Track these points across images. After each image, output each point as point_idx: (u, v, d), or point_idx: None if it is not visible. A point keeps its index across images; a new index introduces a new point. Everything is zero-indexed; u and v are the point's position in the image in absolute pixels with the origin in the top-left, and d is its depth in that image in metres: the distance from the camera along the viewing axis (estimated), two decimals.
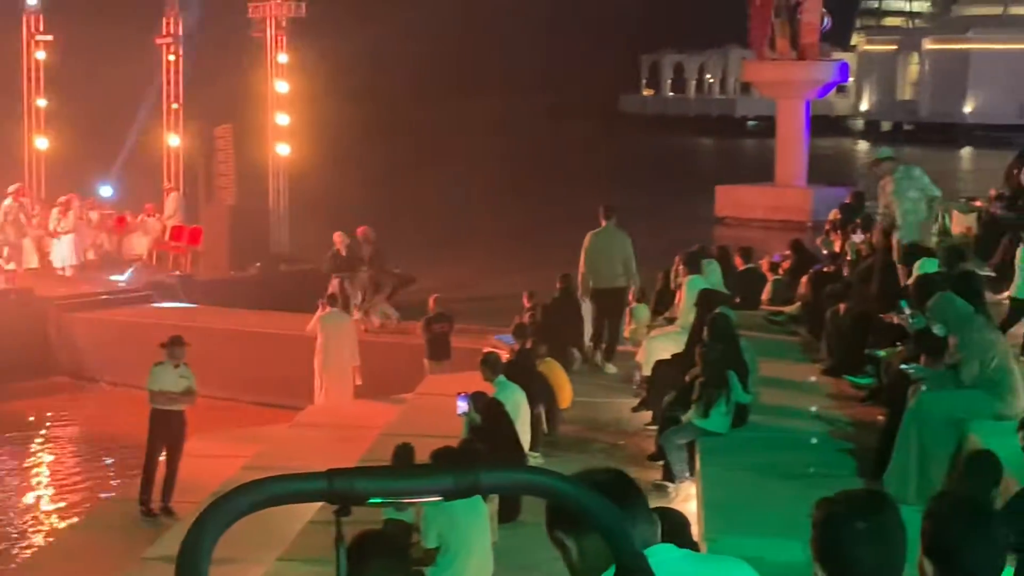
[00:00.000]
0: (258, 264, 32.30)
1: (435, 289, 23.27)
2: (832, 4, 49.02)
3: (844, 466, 12.50)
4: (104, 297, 29.25)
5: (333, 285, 24.68)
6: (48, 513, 19.99)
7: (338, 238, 26.33)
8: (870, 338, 14.72)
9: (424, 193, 51.87)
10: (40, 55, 34.26)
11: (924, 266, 14.94)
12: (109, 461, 22.25)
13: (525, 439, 13.68)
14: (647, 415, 15.49)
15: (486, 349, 16.43)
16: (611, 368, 18.74)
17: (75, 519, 18.88)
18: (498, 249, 38.79)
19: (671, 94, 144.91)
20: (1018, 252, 15.98)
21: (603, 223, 19.33)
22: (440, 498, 1.85)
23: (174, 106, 34.92)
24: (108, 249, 32.74)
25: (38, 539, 18.61)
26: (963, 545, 3.75)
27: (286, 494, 1.81)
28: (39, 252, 31.10)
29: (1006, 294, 17.02)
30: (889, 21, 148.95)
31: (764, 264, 22.73)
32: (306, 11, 34.79)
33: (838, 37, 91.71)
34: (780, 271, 22.31)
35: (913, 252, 15.12)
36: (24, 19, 34.16)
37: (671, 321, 18.12)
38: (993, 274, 17.27)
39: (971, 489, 6.72)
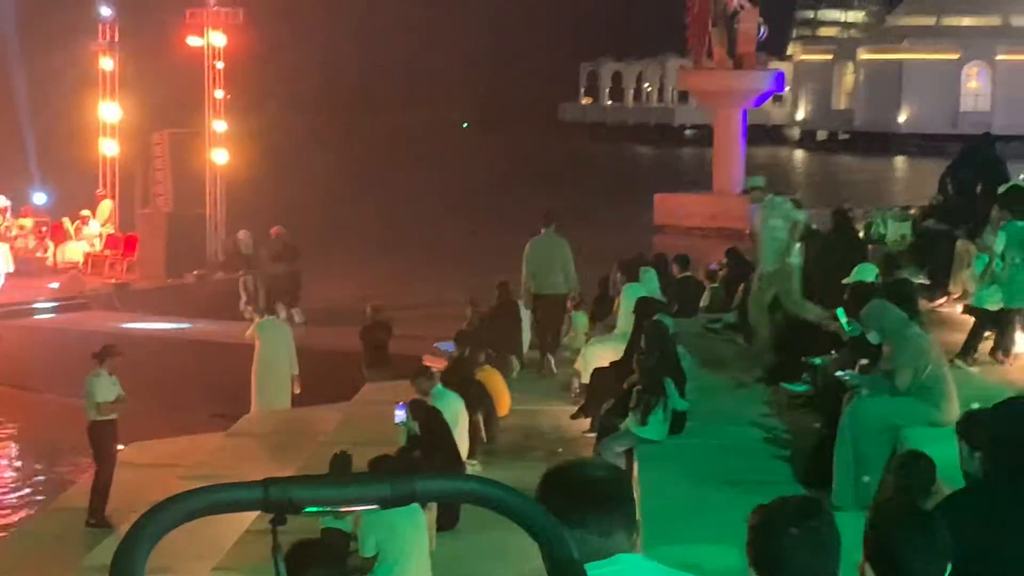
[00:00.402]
0: (195, 272, 32.14)
1: (372, 297, 23.21)
2: (768, 14, 49.30)
3: (780, 472, 12.57)
4: (39, 305, 28.99)
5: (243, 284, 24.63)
6: None
7: (242, 236, 26.28)
8: (806, 346, 14.83)
9: (364, 200, 51.80)
10: None
11: (860, 273, 15.07)
12: (40, 470, 22.03)
13: (464, 447, 13.66)
14: (585, 422, 15.51)
15: (426, 358, 16.42)
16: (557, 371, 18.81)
17: (10, 530, 18.68)
18: (436, 257, 38.76)
19: (609, 102, 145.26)
20: (974, 262, 16.11)
21: (543, 231, 19.36)
22: (377, 506, 1.85)
23: (110, 112, 34.63)
24: (43, 257, 32.44)
25: None
26: (908, 553, 3.78)
27: (222, 503, 1.80)
28: None
29: (940, 301, 17.19)
30: (825, 31, 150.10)
31: (701, 272, 22.86)
32: (243, 18, 34.71)
33: (774, 47, 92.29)
34: (717, 279, 22.43)
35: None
36: None
37: (610, 329, 18.16)
38: (927, 281, 17.43)
39: (905, 491, 6.78)
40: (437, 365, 15.64)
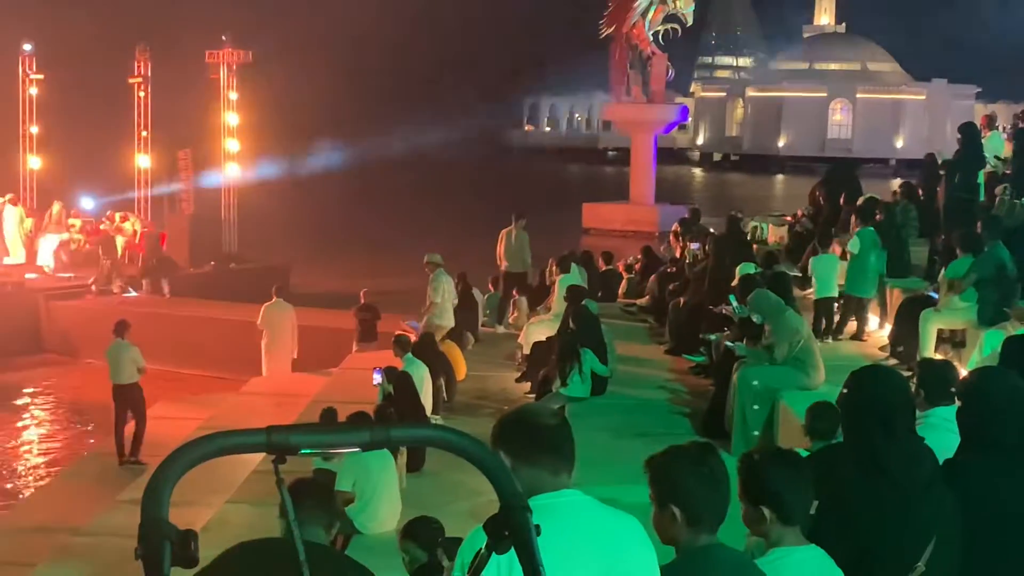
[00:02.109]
0: (212, 263, 32.02)
1: (358, 285, 23.09)
2: (675, 59, 49.43)
3: (682, 426, 12.65)
4: (84, 288, 28.72)
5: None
6: (37, 465, 19.62)
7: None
8: (703, 324, 14.91)
9: (349, 207, 51.62)
10: (33, 91, 33.58)
11: (745, 268, 15.14)
12: (87, 423, 21.87)
13: (428, 405, 13.65)
14: (527, 385, 15.53)
15: (397, 332, 16.37)
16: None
17: (60, 470, 18.53)
18: (406, 254, 38.63)
19: (547, 129, 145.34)
20: (811, 262, 16.22)
21: (514, 224, 20.84)
22: (359, 449, 1.84)
23: (144, 133, 34.38)
24: (89, 250, 32.09)
25: (29, 486, 18.26)
26: (781, 487, 3.81)
27: (232, 446, 1.79)
28: (28, 251, 30.48)
29: (810, 291, 17.30)
30: (720, 73, 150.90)
31: (620, 265, 22.89)
32: (252, 58, 34.60)
33: (680, 85, 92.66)
34: (634, 271, 22.48)
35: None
36: (20, 60, 33.44)
37: (546, 311, 18.18)
38: (800, 274, 17.54)
39: (814, 433, 6.84)
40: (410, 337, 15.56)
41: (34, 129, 33.59)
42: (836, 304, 15.15)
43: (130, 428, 17.25)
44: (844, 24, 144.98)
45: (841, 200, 19.00)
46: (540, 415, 3.42)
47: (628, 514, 3.37)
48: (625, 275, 22.48)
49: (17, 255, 30.00)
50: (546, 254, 21.52)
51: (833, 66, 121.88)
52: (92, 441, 20.40)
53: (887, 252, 14.98)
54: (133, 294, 28.33)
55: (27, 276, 28.73)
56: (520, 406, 3.57)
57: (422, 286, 20.30)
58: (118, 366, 17.18)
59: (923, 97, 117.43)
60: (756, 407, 11.17)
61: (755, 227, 24.32)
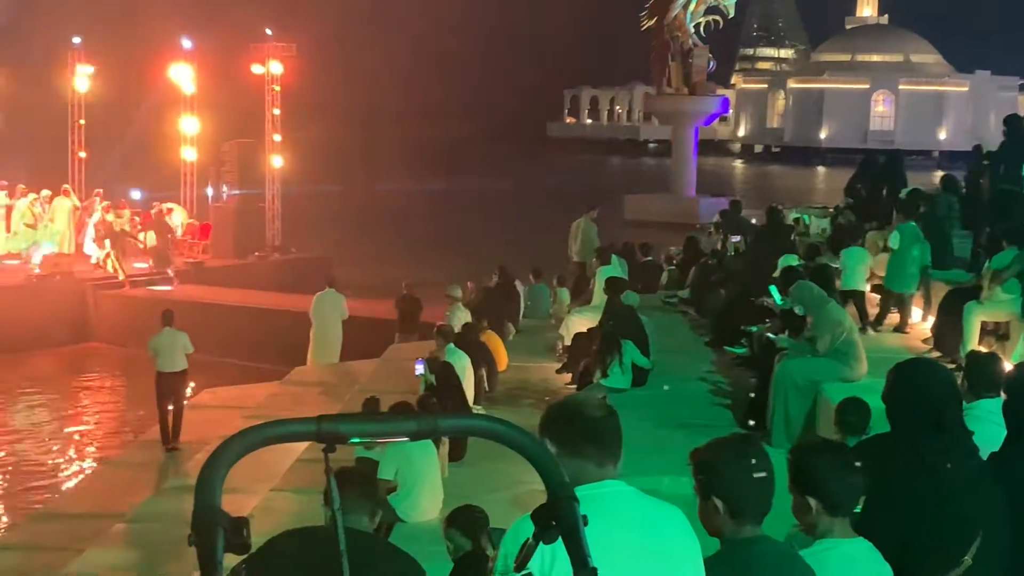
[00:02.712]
0: (256, 253, 32.20)
1: (402, 276, 23.12)
2: (716, 50, 49.19)
3: (723, 418, 12.59)
4: (132, 279, 28.95)
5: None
6: (84, 453, 19.82)
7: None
8: (744, 316, 14.82)
9: (392, 198, 51.74)
10: (82, 84, 33.85)
11: (787, 260, 15.04)
12: (133, 411, 22.06)
13: (470, 395, 13.66)
14: (568, 376, 15.51)
15: (439, 323, 16.38)
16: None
17: (106, 457, 18.71)
18: (445, 243, 38.73)
19: (588, 121, 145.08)
20: (841, 253, 16.08)
21: (585, 215, 22.08)
22: (407, 439, 1.84)
23: (190, 125, 34.60)
24: (136, 240, 32.35)
25: (77, 473, 18.45)
26: (829, 478, 3.79)
27: (283, 434, 1.79)
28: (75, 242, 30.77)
29: None
30: (761, 65, 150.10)
31: (662, 257, 22.81)
32: (296, 51, 34.73)
33: (721, 77, 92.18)
34: (674, 263, 22.40)
35: None
36: (70, 54, 33.74)
37: (586, 302, 18.15)
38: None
39: (845, 428, 6.80)
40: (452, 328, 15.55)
41: (82, 122, 33.89)
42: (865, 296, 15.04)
43: (171, 414, 17.46)
44: (887, 15, 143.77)
45: (884, 192, 18.83)
46: (587, 406, 3.36)
47: (671, 504, 3.34)
48: (665, 266, 22.40)
49: (68, 246, 30.30)
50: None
51: (875, 58, 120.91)
52: (140, 427, 20.58)
53: (930, 244, 14.84)
54: (167, 288, 28.49)
55: (79, 269, 28.91)
56: (567, 396, 3.51)
57: (464, 275, 20.36)
58: (170, 354, 17.37)
59: (966, 89, 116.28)
60: (797, 399, 11.11)
61: (797, 219, 24.16)
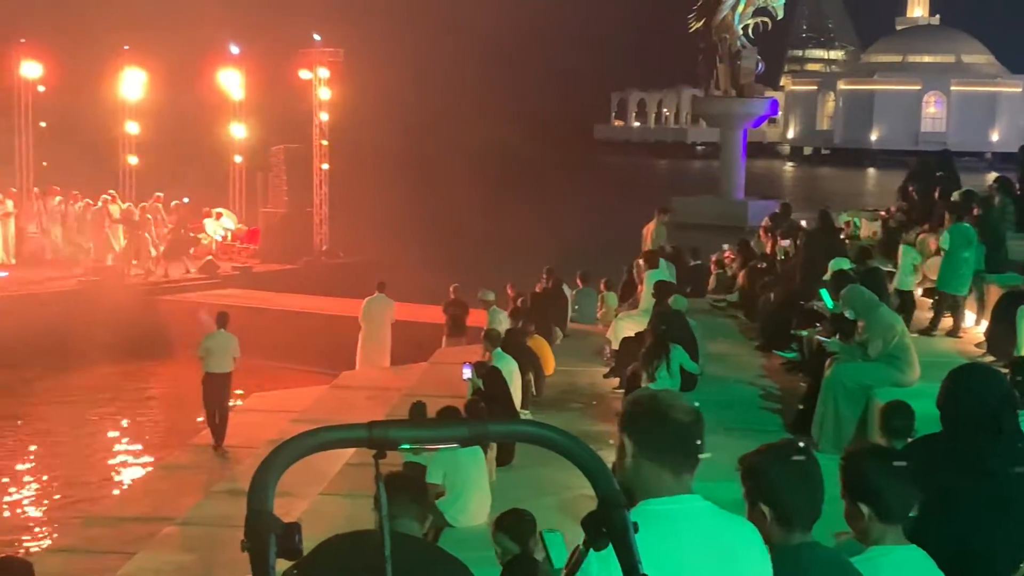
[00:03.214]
0: (305, 258, 32.41)
1: (449, 280, 23.14)
2: (764, 52, 48.94)
3: (773, 422, 12.51)
4: (183, 284, 29.24)
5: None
6: (135, 456, 20.01)
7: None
8: (795, 320, 14.73)
9: (438, 202, 51.84)
10: (132, 90, 34.21)
11: (836, 263, 14.93)
12: (184, 415, 22.24)
13: (517, 399, 13.67)
14: (615, 381, 15.47)
15: (487, 327, 16.40)
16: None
17: (157, 461, 18.88)
18: (494, 247, 38.75)
19: (636, 124, 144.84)
20: (900, 250, 15.96)
21: (656, 218, 22.03)
22: (457, 444, 1.84)
23: (238, 131, 34.92)
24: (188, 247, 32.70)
25: (127, 477, 18.63)
26: (878, 480, 3.76)
27: (335, 440, 1.80)
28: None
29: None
30: (811, 66, 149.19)
31: (713, 260, 22.70)
32: (343, 56, 34.92)
33: (769, 79, 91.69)
34: (724, 266, 22.29)
35: None
36: (120, 60, 34.11)
37: (634, 306, 18.11)
38: (894, 270, 17.25)
39: (890, 432, 6.74)
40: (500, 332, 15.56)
41: (132, 127, 34.25)
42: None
43: (217, 416, 17.66)
44: (938, 16, 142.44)
45: (936, 195, 18.65)
46: (675, 407, 3.12)
47: (746, 521, 3.26)
48: (714, 270, 22.29)
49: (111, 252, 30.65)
50: (633, 249, 21.44)
51: (927, 58, 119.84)
52: (190, 431, 20.76)
53: (984, 247, 14.68)
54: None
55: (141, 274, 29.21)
56: (656, 392, 3.24)
57: (513, 280, 20.35)
58: (220, 356, 17.57)
59: (1019, 89, 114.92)
60: (848, 404, 11.02)
61: (848, 222, 23.98)
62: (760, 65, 47.63)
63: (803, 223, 20.71)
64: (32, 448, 20.32)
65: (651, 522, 2.79)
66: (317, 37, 34.81)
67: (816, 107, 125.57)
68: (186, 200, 34.74)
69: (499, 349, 14.01)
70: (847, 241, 19.98)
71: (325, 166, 34.68)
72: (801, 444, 3.66)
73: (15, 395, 23.12)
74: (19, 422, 22.00)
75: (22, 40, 32.69)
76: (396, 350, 21.69)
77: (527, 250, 35.11)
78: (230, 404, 17.93)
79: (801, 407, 12.19)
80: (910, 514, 3.89)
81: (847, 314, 11.78)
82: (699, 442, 3.15)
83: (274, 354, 24.59)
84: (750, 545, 3.13)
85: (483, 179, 66.27)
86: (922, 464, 3.96)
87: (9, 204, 30.77)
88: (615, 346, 16.32)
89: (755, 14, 46.33)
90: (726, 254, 23.21)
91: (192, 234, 31.87)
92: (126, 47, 34.15)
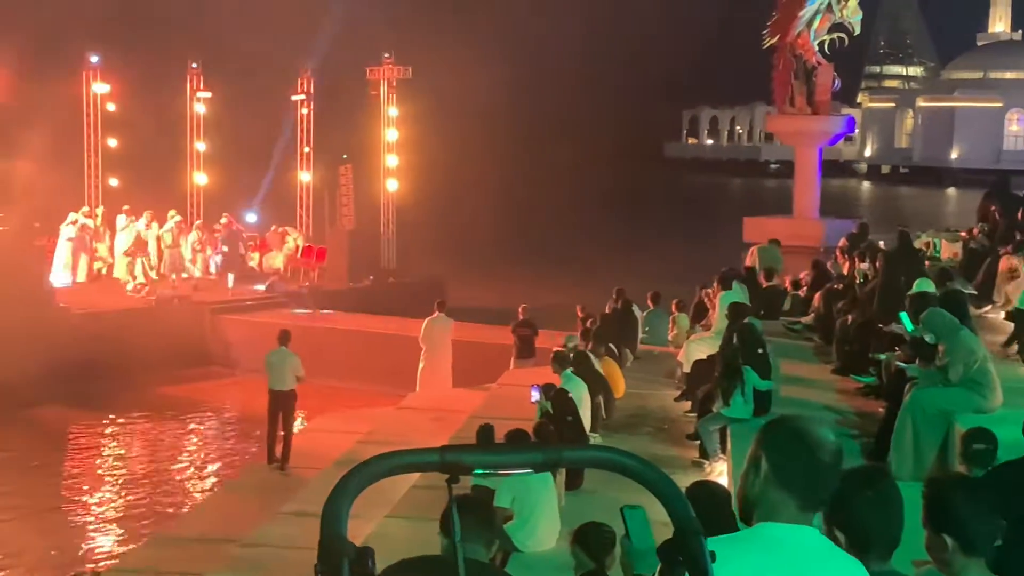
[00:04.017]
0: (371, 277, 32.61)
1: (516, 300, 23.17)
2: (841, 68, 48.56)
3: (849, 450, 12.29)
4: (249, 303, 29.55)
5: None
6: (201, 476, 20.23)
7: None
8: (872, 344, 14.55)
9: (507, 221, 51.94)
10: (200, 108, 34.74)
11: (921, 285, 14.73)
12: (249, 435, 22.45)
13: (587, 422, 13.64)
14: (687, 404, 15.39)
15: (556, 348, 16.39)
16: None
17: (222, 481, 19.07)
18: (566, 267, 38.74)
19: (709, 142, 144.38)
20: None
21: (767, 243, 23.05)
22: (531, 470, 1.85)
23: (306, 149, 35.31)
24: (252, 265, 33.09)
25: (194, 497, 18.83)
26: (966, 516, 3.70)
27: (407, 465, 1.82)
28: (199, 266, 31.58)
29: (986, 308, 16.77)
30: (889, 83, 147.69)
31: (787, 280, 22.49)
32: (412, 74, 35.15)
33: (846, 95, 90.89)
34: (800, 287, 22.08)
35: None
36: (188, 78, 34.65)
37: (706, 328, 18.01)
38: (975, 292, 17.00)
39: (971, 459, 6.64)
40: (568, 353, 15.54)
41: (200, 146, 34.77)
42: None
43: (281, 435, 17.82)
44: (1020, 32, 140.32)
45: (1020, 215, 18.37)
46: (823, 444, 3.00)
47: (856, 560, 3.17)
48: (789, 291, 22.10)
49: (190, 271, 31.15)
50: (705, 270, 21.33)
51: (1009, 75, 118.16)
52: (254, 450, 20.96)
53: None
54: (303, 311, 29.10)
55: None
56: (807, 419, 3.12)
57: (582, 301, 20.33)
58: (280, 373, 17.77)
59: None
60: (928, 430, 10.85)
61: (927, 242, 23.66)
62: (837, 82, 47.26)
63: (881, 244, 20.46)
64: (98, 466, 20.64)
65: (761, 544, 2.86)
66: (386, 55, 35.09)
67: (894, 124, 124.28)
68: (251, 219, 35.16)
69: (568, 371, 13.99)
70: (926, 262, 19.70)
71: (393, 184, 34.92)
72: (880, 469, 3.62)
73: (81, 413, 23.49)
74: (84, 440, 22.34)
75: (93, 59, 33.30)
76: (464, 371, 21.74)
77: (596, 270, 35.07)
78: (294, 423, 18.05)
79: (879, 433, 12.03)
80: (994, 543, 3.82)
81: (927, 338, 11.60)
82: (832, 484, 3.05)
83: (339, 374, 24.74)
84: None
85: (552, 198, 66.33)
86: (1005, 492, 3.89)
87: (79, 222, 31.29)
88: (687, 369, 16.24)
89: (831, 30, 46.01)
90: (801, 276, 23.01)
91: (242, 253, 32.24)
92: (194, 65, 34.68)
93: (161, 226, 31.25)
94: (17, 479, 19.24)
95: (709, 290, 19.21)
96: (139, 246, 30.33)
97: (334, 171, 34.56)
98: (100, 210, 32.59)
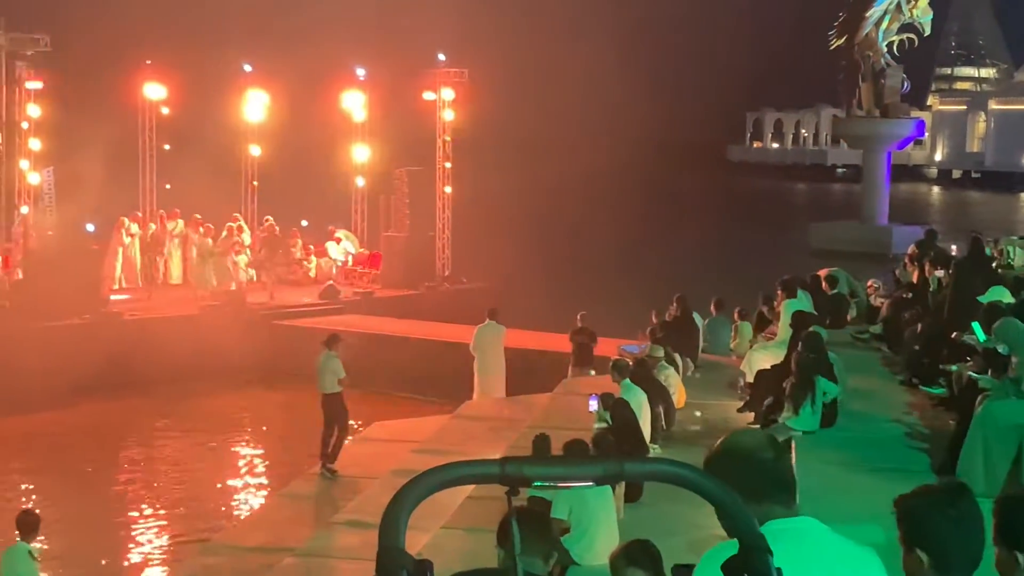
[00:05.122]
0: (427, 284, 32.70)
1: (575, 308, 23.10)
2: (911, 70, 48.13)
3: (919, 462, 12.23)
4: (302, 309, 29.73)
5: None
6: (254, 485, 20.37)
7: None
8: (943, 354, 14.39)
9: (565, 226, 51.90)
10: (255, 113, 34.96)
11: (995, 294, 14.55)
12: (303, 443, 22.57)
13: (647, 433, 13.59)
14: (750, 415, 15.29)
15: (615, 357, 16.35)
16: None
17: (276, 489, 19.19)
18: (624, 273, 38.64)
19: (775, 145, 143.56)
20: None
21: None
22: (592, 483, 1.85)
23: (360, 154, 35.48)
24: (306, 270, 33.30)
25: (246, 505, 18.98)
26: None
27: (467, 476, 1.82)
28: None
29: None
30: (960, 85, 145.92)
31: (871, 288, 22.29)
32: (468, 77, 35.19)
33: (916, 98, 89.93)
34: (868, 295, 21.89)
35: None
36: (243, 83, 34.90)
37: (770, 337, 17.89)
38: None
39: None
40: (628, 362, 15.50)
41: (255, 150, 35.04)
42: None
43: (331, 436, 18.00)
44: None
45: None
46: (756, 448, 3.21)
47: (866, 546, 3.27)
48: (864, 298, 21.91)
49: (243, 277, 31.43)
50: (770, 278, 21.16)
51: None
52: (308, 459, 21.07)
53: None
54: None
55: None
56: (728, 440, 3.30)
57: (642, 309, 20.24)
58: (322, 376, 18.03)
59: None
60: (1000, 444, 10.72)
61: (1000, 250, 23.35)
62: (906, 84, 46.89)
63: (953, 249, 20.22)
64: (150, 473, 20.86)
65: (781, 537, 2.84)
66: (441, 57, 35.20)
67: (966, 128, 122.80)
68: (304, 223, 35.39)
69: (628, 380, 13.96)
70: (999, 271, 19.45)
71: (448, 189, 35.00)
72: (961, 486, 3.57)
73: (133, 419, 23.75)
74: (136, 446, 22.60)
75: (147, 62, 33.69)
76: (521, 380, 21.73)
77: (656, 276, 34.95)
78: (339, 426, 18.18)
79: (949, 447, 11.90)
80: None
81: (1000, 348, 11.48)
82: (792, 472, 3.25)
83: (394, 382, 24.83)
84: (871, 568, 3.22)
85: (611, 202, 66.19)
86: None
87: (133, 227, 31.69)
88: (750, 378, 16.14)
89: (900, 30, 45.64)
90: (868, 285, 22.81)
91: (298, 258, 32.51)
92: (249, 68, 34.96)
93: (215, 231, 31.56)
94: (69, 485, 19.50)
95: (771, 305, 19.05)
96: (203, 252, 30.63)
97: (389, 175, 34.71)
98: (161, 213, 32.97)
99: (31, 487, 19.72)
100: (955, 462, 11.24)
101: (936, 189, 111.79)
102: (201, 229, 31.45)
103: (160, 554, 16.86)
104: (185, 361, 25.29)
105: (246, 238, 32.31)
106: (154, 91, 33.53)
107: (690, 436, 14.87)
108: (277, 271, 31.29)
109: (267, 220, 32.98)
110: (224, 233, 31.20)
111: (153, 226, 32.51)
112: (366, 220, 35.56)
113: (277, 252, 31.79)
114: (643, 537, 9.90)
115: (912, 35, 45.74)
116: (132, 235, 31.51)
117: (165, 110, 34.38)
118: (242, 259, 31.65)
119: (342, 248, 33.76)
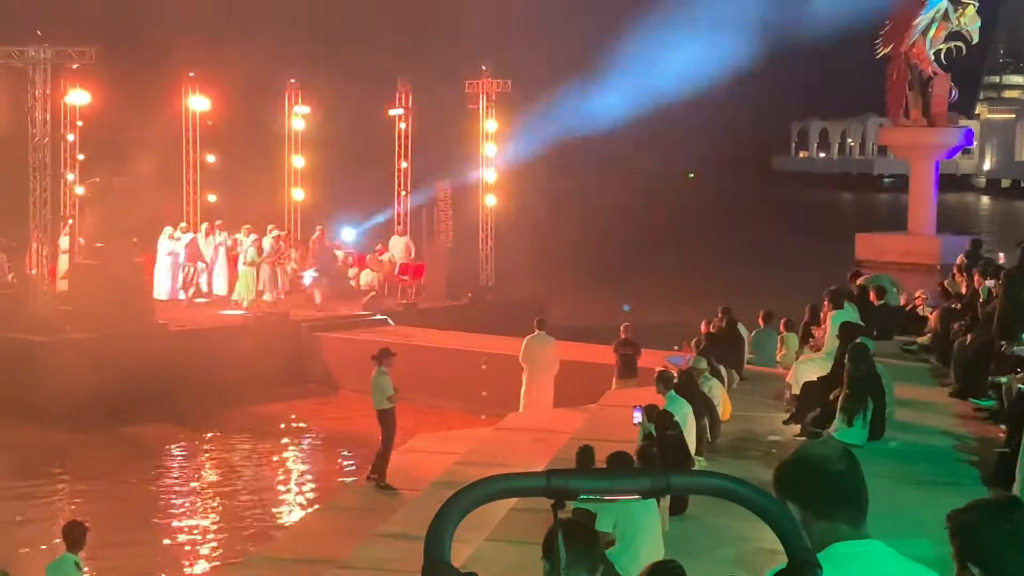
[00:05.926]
0: (469, 295, 32.73)
1: (624, 318, 23.02)
2: (958, 78, 47.74)
3: (968, 476, 12.12)
4: (346, 320, 29.83)
5: None
6: (298, 496, 20.45)
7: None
8: (992, 366, 14.26)
9: (608, 237, 51.84)
10: (298, 124, 35.18)
11: None
12: (346, 453, 22.67)
13: (692, 445, 13.52)
14: (796, 428, 15.19)
15: (659, 368, 16.28)
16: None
17: (319, 501, 19.26)
18: (669, 284, 38.55)
19: (822, 155, 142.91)
20: None
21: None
22: (639, 496, 1.84)
23: (404, 164, 35.61)
24: (349, 280, 33.41)
25: (289, 517, 19.04)
26: None
27: (512, 489, 1.82)
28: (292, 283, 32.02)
29: None
30: (1009, 93, 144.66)
31: (919, 299, 22.14)
32: (511, 87, 35.20)
33: (964, 107, 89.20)
34: (915, 306, 21.73)
35: None
36: (286, 94, 35.14)
37: (816, 349, 17.77)
38: None
39: None
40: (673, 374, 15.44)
41: (298, 161, 35.24)
42: None
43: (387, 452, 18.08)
44: None
45: None
46: (828, 459, 3.16)
47: (932, 570, 3.19)
48: (921, 307, 21.77)
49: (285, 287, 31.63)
50: (816, 289, 21.03)
51: None
52: (351, 470, 21.16)
53: None
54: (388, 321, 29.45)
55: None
56: (801, 449, 3.26)
57: (686, 320, 20.16)
58: (374, 392, 18.05)
59: None
60: None
61: None
62: (954, 92, 46.50)
63: (1001, 258, 20.03)
64: (194, 483, 20.98)
65: (843, 563, 2.91)
66: (484, 67, 35.24)
67: (1015, 136, 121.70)
68: (347, 234, 35.53)
69: (673, 392, 13.90)
70: None
71: (491, 200, 35.03)
72: (1016, 501, 3.52)
73: (178, 430, 23.91)
74: (181, 457, 22.75)
75: (191, 74, 33.99)
76: (565, 391, 21.69)
77: (702, 287, 34.83)
78: (387, 441, 18.16)
79: (998, 459, 11.77)
80: None
81: None
82: (864, 488, 3.14)
83: (438, 393, 24.86)
84: None
85: (655, 213, 66.07)
86: None
87: (178, 238, 31.91)
88: (796, 391, 16.03)
89: (948, 38, 45.28)
90: (917, 295, 22.64)
91: (339, 268, 32.68)
92: (292, 80, 35.19)
93: (260, 241, 31.72)
94: (113, 495, 19.65)
95: (818, 317, 18.92)
96: (249, 262, 30.81)
97: (432, 186, 34.80)
98: (204, 226, 33.17)
99: (77, 499, 19.88)
100: (1005, 475, 11.13)
101: (985, 199, 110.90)
102: (247, 239, 31.57)
103: (203, 564, 16.95)
104: (230, 372, 25.44)
105: (291, 250, 32.47)
106: (198, 103, 33.77)
107: (735, 449, 14.78)
108: (323, 281, 31.41)
109: (319, 228, 33.11)
110: (270, 243, 31.32)
111: (195, 235, 32.69)
112: (409, 231, 35.66)
113: (323, 262, 31.92)
114: (689, 549, 9.88)
115: (960, 43, 45.37)
116: (176, 247, 31.72)
117: (209, 122, 34.61)
118: (288, 269, 31.83)
119: (386, 258, 33.85)
